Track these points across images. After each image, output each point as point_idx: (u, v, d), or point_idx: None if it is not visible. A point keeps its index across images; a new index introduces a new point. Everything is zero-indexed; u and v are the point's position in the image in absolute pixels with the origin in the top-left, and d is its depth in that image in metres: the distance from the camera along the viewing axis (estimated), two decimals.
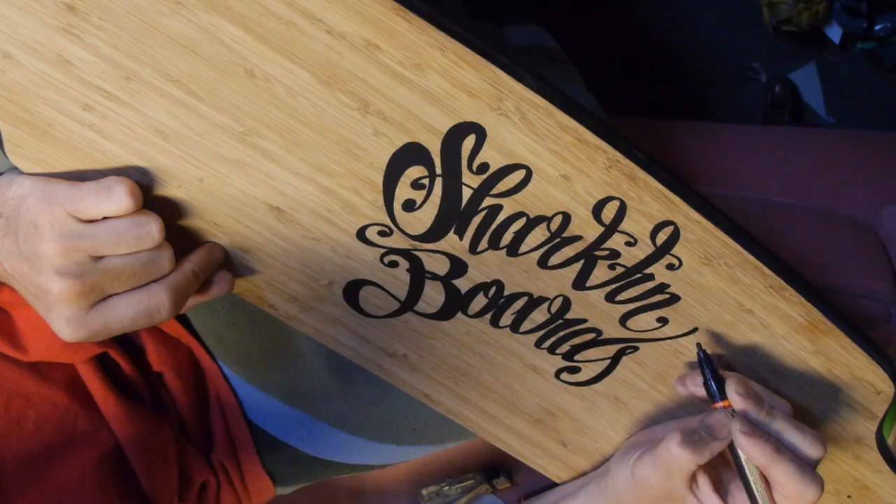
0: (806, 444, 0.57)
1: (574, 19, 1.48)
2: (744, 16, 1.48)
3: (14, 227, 0.50)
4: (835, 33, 1.43)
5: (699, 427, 0.58)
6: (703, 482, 0.59)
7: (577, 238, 0.56)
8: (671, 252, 0.57)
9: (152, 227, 0.50)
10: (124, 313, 0.51)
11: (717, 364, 0.61)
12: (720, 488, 0.60)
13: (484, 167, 0.53)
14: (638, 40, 1.52)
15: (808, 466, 0.56)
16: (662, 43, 1.52)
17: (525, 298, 0.60)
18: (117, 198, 0.49)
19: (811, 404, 0.65)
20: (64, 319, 0.51)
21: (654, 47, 1.53)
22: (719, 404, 0.59)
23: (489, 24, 0.86)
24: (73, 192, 0.49)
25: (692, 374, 0.62)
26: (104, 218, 0.50)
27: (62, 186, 0.49)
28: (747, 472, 0.57)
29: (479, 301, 0.60)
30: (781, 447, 0.56)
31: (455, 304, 0.60)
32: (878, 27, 1.39)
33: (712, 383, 0.59)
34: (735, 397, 0.58)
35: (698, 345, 0.61)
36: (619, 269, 0.58)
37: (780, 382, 0.64)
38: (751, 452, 0.56)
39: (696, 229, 0.56)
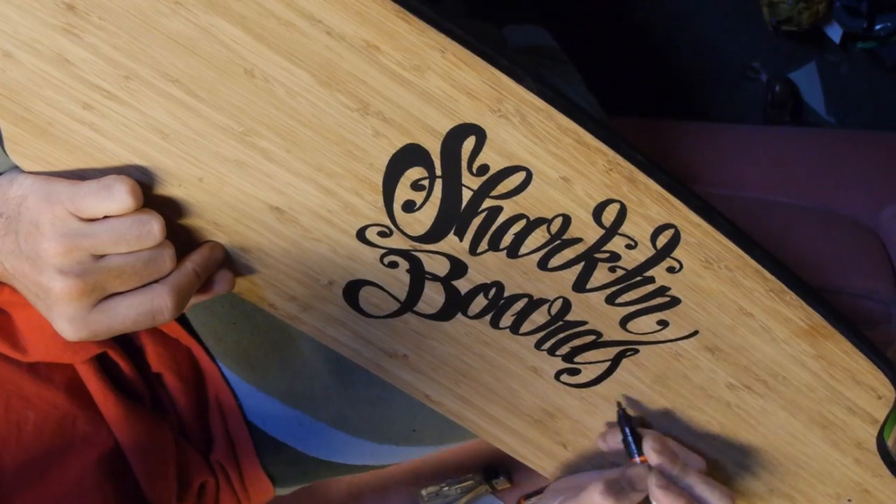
0: (715, 498, 0.61)
1: (574, 19, 1.48)
2: (744, 15, 1.48)
3: (15, 226, 0.50)
4: (835, 33, 1.43)
5: (620, 478, 0.61)
6: None
7: (578, 240, 0.56)
8: (672, 255, 0.57)
9: (153, 226, 0.50)
10: (126, 314, 0.51)
11: (635, 423, 0.65)
12: None
13: (484, 169, 0.53)
14: (638, 40, 1.52)
15: None
16: (662, 43, 1.52)
17: (525, 300, 0.60)
18: (118, 196, 0.49)
19: (811, 408, 0.64)
20: (66, 319, 0.51)
21: (654, 47, 1.53)
22: (636, 459, 0.63)
23: (489, 23, 0.86)
24: (74, 190, 0.49)
25: (612, 431, 0.66)
26: (105, 217, 0.49)
27: (63, 185, 0.49)
28: None
29: (479, 302, 0.60)
30: (692, 501, 0.60)
31: (455, 305, 0.60)
32: (878, 27, 1.39)
33: (630, 440, 0.64)
34: (651, 454, 0.62)
35: (618, 403, 0.65)
36: (620, 272, 0.58)
37: (779, 386, 0.64)
38: None
39: (697, 232, 0.56)
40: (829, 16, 1.41)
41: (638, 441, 0.64)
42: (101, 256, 0.50)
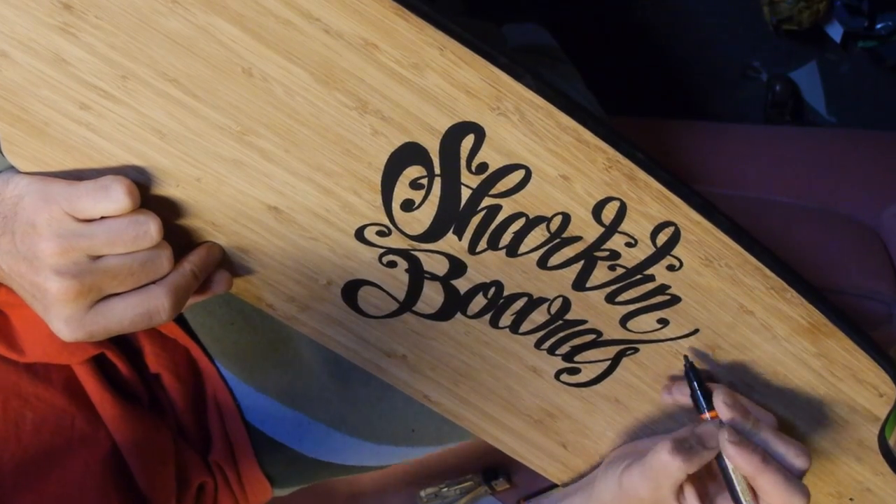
0: (791, 455, 0.58)
1: (573, 18, 1.47)
2: (744, 15, 1.47)
3: (11, 226, 0.50)
4: (836, 32, 1.43)
5: (689, 436, 0.58)
6: (690, 494, 0.59)
7: (577, 239, 0.56)
8: (672, 253, 0.57)
9: (150, 227, 0.50)
10: (123, 315, 0.51)
11: (703, 375, 0.62)
12: (706, 501, 0.60)
13: (483, 167, 0.52)
14: (638, 39, 1.52)
15: (793, 476, 0.57)
16: (662, 42, 1.52)
17: (525, 299, 0.60)
18: (115, 197, 0.48)
19: (812, 406, 0.64)
20: (62, 319, 0.50)
21: (653, 46, 1.52)
22: (706, 415, 0.60)
23: (488, 22, 0.85)
24: (71, 191, 0.49)
25: (678, 384, 0.63)
26: (102, 217, 0.49)
27: (59, 185, 0.49)
28: (735, 481, 0.58)
29: (479, 301, 0.60)
30: (768, 457, 0.57)
31: (454, 304, 0.60)
32: (879, 25, 1.38)
33: (699, 394, 0.60)
34: (722, 407, 0.59)
35: (685, 357, 0.62)
36: (620, 270, 0.58)
37: (781, 385, 0.63)
38: (738, 462, 0.56)
39: (697, 230, 0.56)
40: (830, 15, 1.40)
41: (707, 395, 0.60)
42: (98, 257, 0.50)
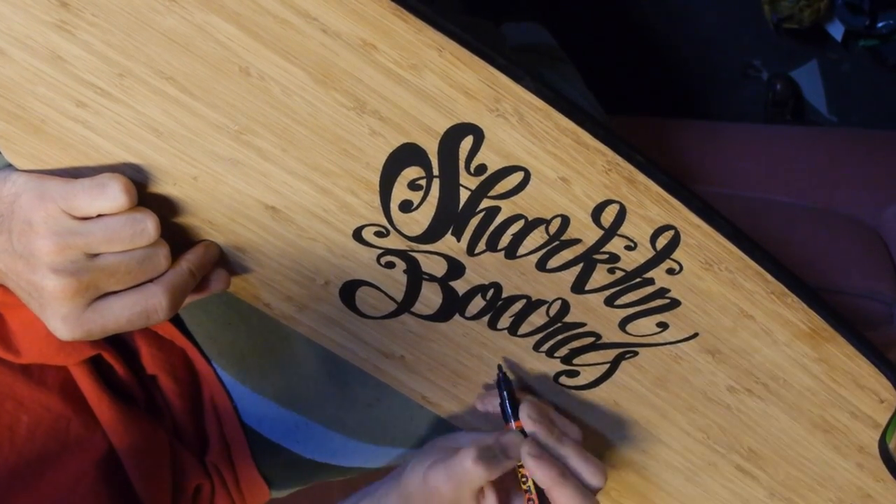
0: (588, 472, 0.59)
1: (573, 17, 1.47)
2: (745, 13, 1.47)
3: (8, 224, 0.50)
4: (837, 31, 1.43)
5: (494, 445, 0.59)
6: (490, 495, 0.60)
7: (576, 241, 0.56)
8: (671, 256, 0.57)
9: (147, 224, 0.49)
10: (120, 313, 0.51)
11: (515, 386, 0.63)
12: (505, 500, 0.61)
13: (482, 169, 0.52)
14: (638, 38, 1.52)
15: (588, 492, 0.58)
16: (662, 41, 1.52)
17: (523, 301, 0.59)
18: (112, 195, 0.48)
19: (813, 412, 0.64)
20: (59, 318, 0.50)
21: (654, 45, 1.52)
22: (512, 425, 0.61)
23: (487, 21, 0.85)
24: (67, 188, 0.48)
25: (491, 394, 0.64)
26: (99, 215, 0.49)
27: (56, 183, 0.49)
28: (533, 491, 0.60)
29: (477, 303, 0.60)
30: (566, 472, 0.58)
31: (453, 305, 0.60)
32: (880, 24, 1.38)
33: (507, 405, 0.62)
34: (527, 420, 0.61)
35: (499, 366, 0.63)
36: (619, 274, 0.58)
37: (780, 389, 0.63)
38: (537, 474, 0.58)
39: (697, 234, 0.56)
40: (831, 13, 1.40)
41: (515, 406, 0.62)
42: (95, 255, 0.49)
